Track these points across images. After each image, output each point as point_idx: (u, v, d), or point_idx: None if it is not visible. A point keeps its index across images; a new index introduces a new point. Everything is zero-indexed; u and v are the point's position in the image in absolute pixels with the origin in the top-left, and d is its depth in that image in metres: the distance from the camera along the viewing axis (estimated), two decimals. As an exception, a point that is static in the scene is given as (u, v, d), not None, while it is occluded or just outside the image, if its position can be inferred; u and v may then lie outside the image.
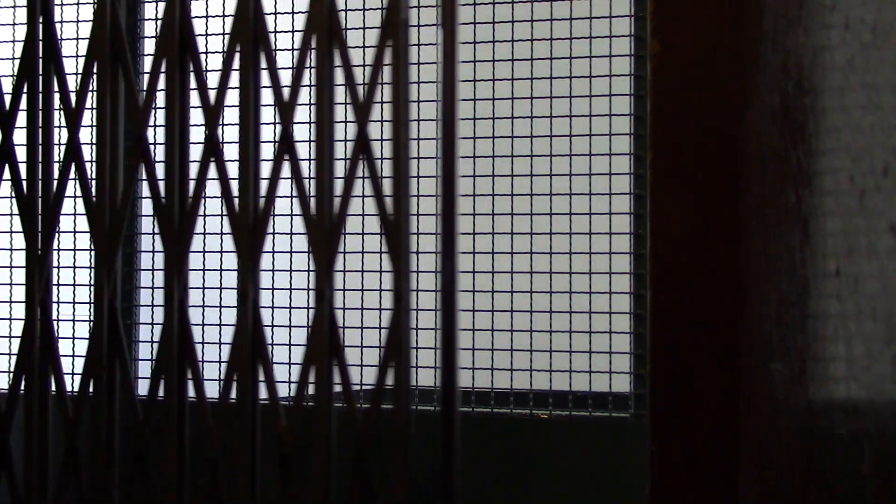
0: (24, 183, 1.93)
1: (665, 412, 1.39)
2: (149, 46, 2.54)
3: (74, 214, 2.47)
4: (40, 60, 1.92)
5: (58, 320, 2.03)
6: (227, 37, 1.86)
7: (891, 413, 1.20)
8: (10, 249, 2.45)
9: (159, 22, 1.86)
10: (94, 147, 1.89)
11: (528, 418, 2.26)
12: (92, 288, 1.99)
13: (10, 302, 2.45)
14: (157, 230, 1.84)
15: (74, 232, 2.50)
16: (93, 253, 1.89)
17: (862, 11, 1.23)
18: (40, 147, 1.91)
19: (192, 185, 1.87)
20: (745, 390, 1.36)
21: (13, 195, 1.91)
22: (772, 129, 1.34)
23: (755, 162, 1.36)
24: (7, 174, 1.93)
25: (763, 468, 1.34)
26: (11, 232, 2.42)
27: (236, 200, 1.87)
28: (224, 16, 2.36)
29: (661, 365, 1.39)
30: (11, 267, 2.46)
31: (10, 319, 2.41)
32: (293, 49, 2.31)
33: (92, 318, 1.90)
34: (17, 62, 2.05)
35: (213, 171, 1.93)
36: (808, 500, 1.30)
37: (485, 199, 2.24)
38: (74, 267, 2.50)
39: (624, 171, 2.27)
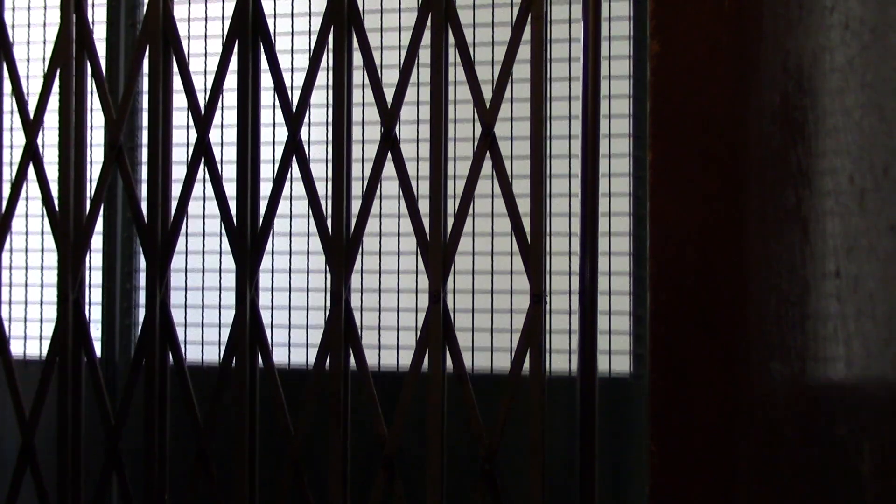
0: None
1: (664, 412, 1.39)
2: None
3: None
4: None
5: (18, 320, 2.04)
6: (224, 35, 1.86)
7: (891, 413, 1.20)
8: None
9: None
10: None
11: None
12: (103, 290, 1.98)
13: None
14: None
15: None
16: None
17: (862, 11, 1.23)
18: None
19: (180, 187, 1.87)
20: (744, 390, 1.36)
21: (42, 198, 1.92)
22: (772, 130, 1.34)
23: (755, 162, 1.36)
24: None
25: (762, 467, 1.34)
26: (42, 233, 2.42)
27: (234, 201, 1.86)
28: (223, 18, 2.36)
29: (660, 365, 1.39)
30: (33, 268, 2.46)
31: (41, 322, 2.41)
32: (293, 51, 2.31)
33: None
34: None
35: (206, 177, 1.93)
36: (807, 500, 1.30)
37: (485, 199, 2.24)
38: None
39: (623, 173, 2.27)
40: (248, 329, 1.78)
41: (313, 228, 1.94)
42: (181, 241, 2.01)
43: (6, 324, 1.99)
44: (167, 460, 1.84)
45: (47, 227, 2.37)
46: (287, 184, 1.94)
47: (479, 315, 2.27)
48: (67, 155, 1.86)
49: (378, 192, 1.99)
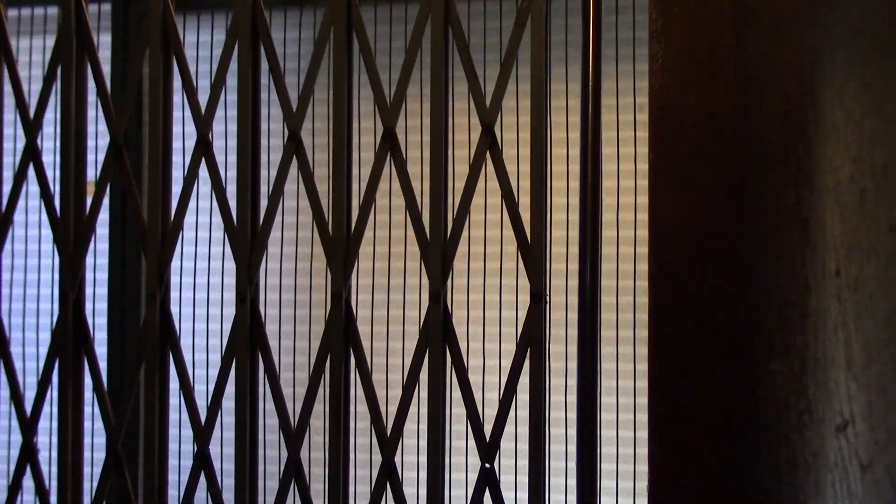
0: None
1: (663, 411, 1.39)
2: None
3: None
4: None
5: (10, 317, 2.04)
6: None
7: (890, 416, 1.20)
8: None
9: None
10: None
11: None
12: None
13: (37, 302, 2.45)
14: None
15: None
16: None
17: (862, 11, 1.23)
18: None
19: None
20: (744, 390, 1.36)
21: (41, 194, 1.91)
22: (772, 129, 1.34)
23: (755, 162, 1.36)
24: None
25: (762, 467, 1.34)
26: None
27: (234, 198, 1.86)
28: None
29: (660, 364, 1.39)
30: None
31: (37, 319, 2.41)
32: (287, 53, 2.31)
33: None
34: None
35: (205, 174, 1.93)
36: (807, 500, 1.29)
37: (485, 198, 2.24)
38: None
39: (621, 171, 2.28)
40: (248, 329, 1.78)
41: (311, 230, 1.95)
42: (182, 241, 2.01)
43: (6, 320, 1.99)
44: (167, 461, 1.84)
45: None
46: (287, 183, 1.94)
47: (479, 315, 2.27)
48: (67, 154, 1.86)
49: (378, 192, 1.99)
